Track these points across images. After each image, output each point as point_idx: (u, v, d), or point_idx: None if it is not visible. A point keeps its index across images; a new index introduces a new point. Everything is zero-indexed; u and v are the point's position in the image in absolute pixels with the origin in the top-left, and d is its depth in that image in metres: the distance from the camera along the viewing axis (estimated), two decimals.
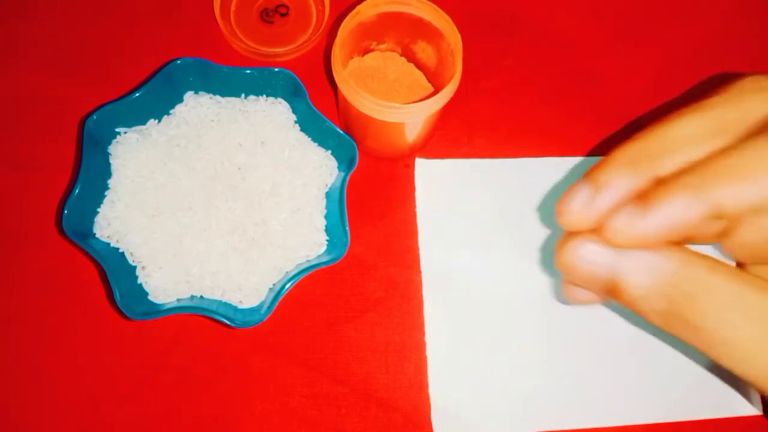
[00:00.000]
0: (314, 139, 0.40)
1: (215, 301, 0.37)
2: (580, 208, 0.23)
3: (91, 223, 0.37)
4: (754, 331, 0.20)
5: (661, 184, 0.22)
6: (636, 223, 0.21)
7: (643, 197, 0.22)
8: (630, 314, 0.39)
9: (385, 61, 0.41)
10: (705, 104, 0.23)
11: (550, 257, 0.40)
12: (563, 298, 0.31)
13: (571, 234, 0.23)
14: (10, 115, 0.41)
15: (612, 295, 0.22)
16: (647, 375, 0.39)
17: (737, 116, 0.22)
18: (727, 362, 0.20)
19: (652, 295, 0.21)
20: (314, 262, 0.37)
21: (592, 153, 0.42)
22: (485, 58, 0.44)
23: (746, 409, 0.38)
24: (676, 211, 0.21)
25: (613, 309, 0.40)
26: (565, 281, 0.26)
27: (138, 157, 0.37)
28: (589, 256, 0.22)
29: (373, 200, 0.41)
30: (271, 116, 0.39)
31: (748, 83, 0.23)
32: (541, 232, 0.41)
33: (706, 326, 0.20)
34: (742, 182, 0.21)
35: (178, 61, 0.38)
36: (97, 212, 0.37)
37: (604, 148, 0.42)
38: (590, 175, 0.23)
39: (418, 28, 0.37)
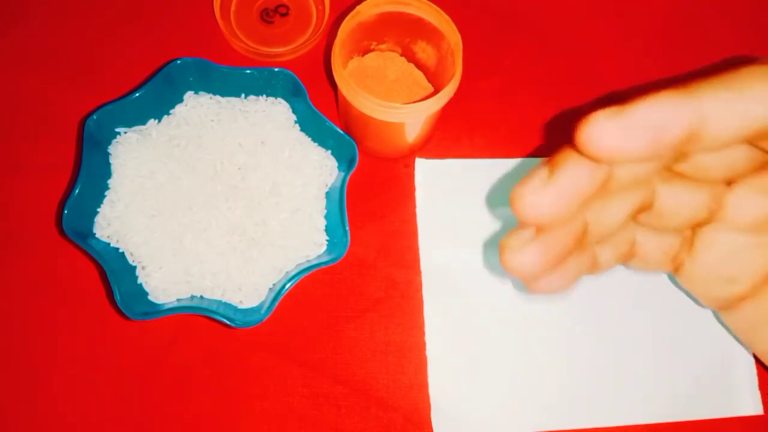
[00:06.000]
0: (314, 139, 0.40)
1: (215, 301, 0.37)
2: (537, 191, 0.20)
3: (91, 223, 0.37)
4: None
5: None
6: (615, 127, 0.18)
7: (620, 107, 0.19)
8: (631, 313, 0.40)
9: (385, 61, 0.41)
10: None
11: None
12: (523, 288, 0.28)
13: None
14: (9, 115, 0.41)
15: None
16: (647, 375, 0.39)
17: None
18: None
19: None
20: (314, 262, 0.37)
21: None
22: (485, 58, 0.44)
23: (746, 409, 0.38)
24: (660, 115, 0.18)
25: (613, 304, 0.40)
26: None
27: (138, 157, 0.37)
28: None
29: (373, 200, 0.41)
30: (271, 116, 0.39)
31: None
32: None
33: None
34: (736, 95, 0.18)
35: (178, 61, 0.38)
36: (97, 212, 0.37)
37: None
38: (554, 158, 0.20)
39: (418, 28, 0.37)
